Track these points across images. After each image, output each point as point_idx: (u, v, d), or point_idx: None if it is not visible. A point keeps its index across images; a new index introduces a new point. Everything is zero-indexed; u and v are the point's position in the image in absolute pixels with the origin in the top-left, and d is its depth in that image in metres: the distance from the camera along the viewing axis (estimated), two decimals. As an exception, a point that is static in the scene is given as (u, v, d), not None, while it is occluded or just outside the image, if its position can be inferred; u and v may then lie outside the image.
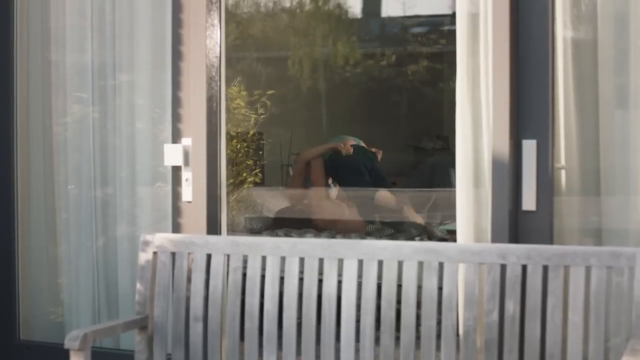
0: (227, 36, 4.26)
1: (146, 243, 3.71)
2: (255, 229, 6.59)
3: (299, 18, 10.23)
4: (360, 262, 3.41)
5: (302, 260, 3.50)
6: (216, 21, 4.14)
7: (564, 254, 3.17)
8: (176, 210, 4.20)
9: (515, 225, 3.59)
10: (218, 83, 4.15)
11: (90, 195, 4.56)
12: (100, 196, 4.55)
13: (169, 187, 4.26)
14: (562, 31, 3.65)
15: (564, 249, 3.21)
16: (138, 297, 3.69)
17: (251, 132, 7.17)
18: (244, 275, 3.57)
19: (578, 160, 3.68)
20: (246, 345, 3.54)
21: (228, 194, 4.82)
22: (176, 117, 4.19)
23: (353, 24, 10.74)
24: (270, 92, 7.32)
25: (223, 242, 3.64)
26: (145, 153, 4.44)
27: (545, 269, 3.18)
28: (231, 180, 6.60)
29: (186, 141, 4.16)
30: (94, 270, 4.56)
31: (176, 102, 4.19)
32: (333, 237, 6.11)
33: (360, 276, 3.40)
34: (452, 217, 5.29)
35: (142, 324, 3.65)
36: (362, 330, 3.37)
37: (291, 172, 7.72)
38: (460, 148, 3.80)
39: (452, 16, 5.45)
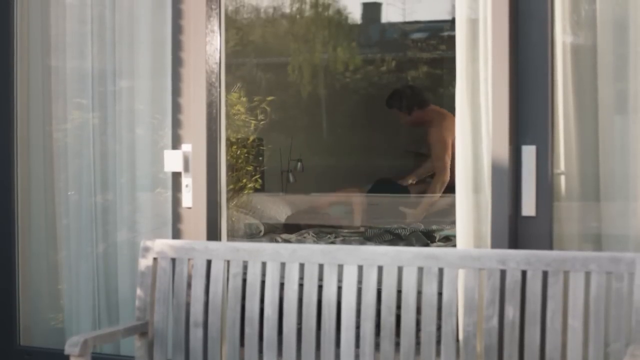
0: (227, 42, 4.26)
1: (146, 249, 3.71)
2: None
3: (299, 24, 10.22)
4: (360, 268, 3.41)
5: (302, 266, 3.50)
6: (216, 27, 4.15)
7: (564, 259, 3.17)
8: (176, 216, 4.20)
9: (515, 230, 3.59)
10: (218, 89, 4.15)
11: (91, 201, 4.56)
12: (100, 202, 4.55)
13: (169, 193, 4.26)
14: (562, 37, 3.66)
15: (564, 254, 3.22)
16: (138, 303, 3.69)
17: (251, 138, 7.17)
18: (244, 281, 3.57)
19: (578, 166, 3.68)
20: (246, 351, 3.54)
21: (228, 199, 4.82)
22: (176, 123, 4.20)
23: (353, 30, 10.73)
24: (270, 98, 7.31)
25: (223, 248, 3.64)
26: (145, 159, 4.44)
27: (545, 274, 3.18)
28: (231, 186, 6.60)
29: (186, 147, 4.16)
30: (94, 276, 4.56)
31: (176, 108, 4.20)
32: None
33: (360, 282, 3.40)
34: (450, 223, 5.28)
35: (142, 330, 3.66)
36: (362, 336, 3.37)
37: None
38: (459, 154, 3.81)
39: (452, 22, 5.45)
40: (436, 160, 7.32)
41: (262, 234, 6.76)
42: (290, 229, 6.97)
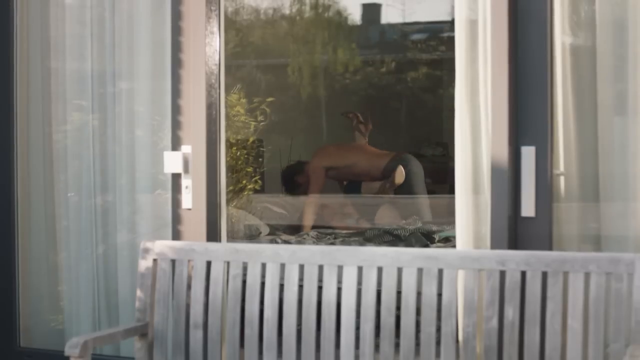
0: (226, 43, 4.26)
1: (146, 250, 3.72)
2: None
3: (298, 25, 10.24)
4: (360, 269, 3.42)
5: (301, 267, 3.50)
6: (215, 28, 4.15)
7: (563, 260, 3.18)
8: (176, 218, 4.20)
9: (515, 231, 3.59)
10: (217, 90, 4.16)
11: (90, 203, 4.56)
12: (100, 204, 4.55)
13: (169, 195, 4.26)
14: (561, 38, 3.66)
15: (563, 255, 3.22)
16: (138, 304, 3.69)
17: (251, 140, 7.17)
18: (244, 282, 3.57)
19: (577, 167, 3.68)
20: (246, 352, 3.54)
21: (228, 201, 4.82)
22: (176, 125, 4.20)
23: (353, 31, 10.75)
24: (269, 99, 7.31)
25: (223, 250, 3.64)
26: (145, 160, 4.44)
27: (545, 275, 3.19)
28: (231, 188, 6.61)
29: (186, 148, 4.16)
30: (94, 278, 4.56)
31: (176, 110, 4.20)
32: None
33: (359, 283, 3.40)
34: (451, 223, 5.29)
35: (142, 331, 3.66)
36: (361, 337, 3.37)
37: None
38: (459, 154, 3.81)
39: (452, 23, 5.46)
40: None
41: (262, 234, 6.76)
42: (291, 230, 6.98)
